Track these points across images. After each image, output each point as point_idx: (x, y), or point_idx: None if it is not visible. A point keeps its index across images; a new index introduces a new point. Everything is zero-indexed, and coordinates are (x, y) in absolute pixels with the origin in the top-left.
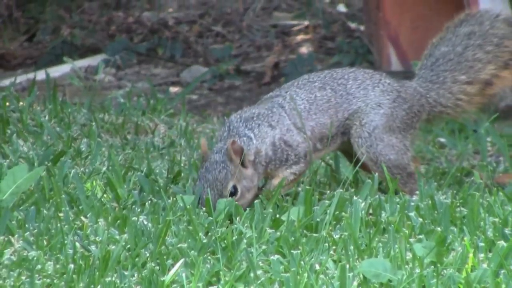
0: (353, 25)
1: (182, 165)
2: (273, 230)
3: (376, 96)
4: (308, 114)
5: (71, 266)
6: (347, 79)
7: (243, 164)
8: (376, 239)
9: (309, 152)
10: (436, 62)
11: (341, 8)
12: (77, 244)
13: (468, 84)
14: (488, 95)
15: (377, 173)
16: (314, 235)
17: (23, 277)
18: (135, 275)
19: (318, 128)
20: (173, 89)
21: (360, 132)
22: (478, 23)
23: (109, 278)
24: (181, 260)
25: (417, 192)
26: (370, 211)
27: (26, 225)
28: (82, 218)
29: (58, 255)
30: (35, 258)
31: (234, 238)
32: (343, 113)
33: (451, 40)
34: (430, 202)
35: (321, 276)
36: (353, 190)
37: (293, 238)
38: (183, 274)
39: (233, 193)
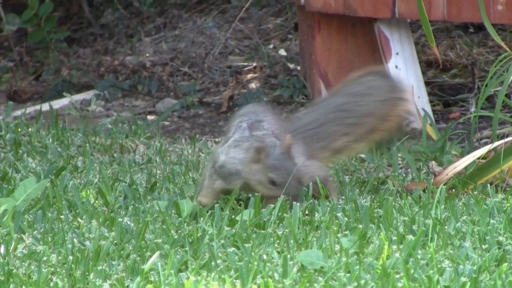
0: (291, 66)
1: (157, 177)
2: (230, 228)
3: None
4: None
5: (70, 257)
6: None
7: None
8: (311, 234)
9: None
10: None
11: (282, 52)
12: (75, 240)
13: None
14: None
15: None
16: (262, 231)
17: (33, 267)
18: (121, 264)
19: None
20: (150, 117)
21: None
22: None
23: (101, 267)
24: (157, 252)
25: (343, 197)
26: (306, 212)
27: (35, 225)
28: (79, 219)
29: (60, 249)
30: (42, 251)
31: (198, 234)
32: None
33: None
34: (353, 205)
35: (268, 264)
36: None
37: (245, 234)
38: (159, 263)
39: None
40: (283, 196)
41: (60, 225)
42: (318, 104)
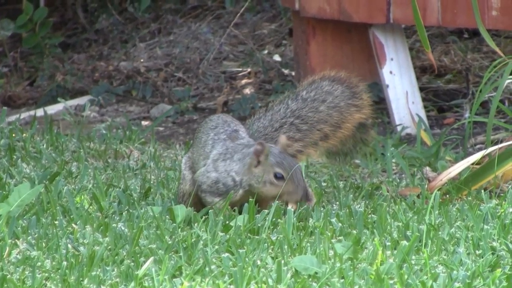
0: (286, 71)
1: (151, 182)
2: (224, 234)
3: None
4: None
5: (65, 263)
6: None
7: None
8: (305, 240)
9: None
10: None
11: (277, 57)
12: (69, 245)
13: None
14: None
15: None
16: (256, 237)
17: (27, 272)
18: (115, 270)
19: None
20: (144, 123)
21: None
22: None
23: (95, 273)
24: (151, 258)
25: (337, 202)
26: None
27: (29, 231)
28: (73, 225)
29: (54, 254)
30: (36, 257)
31: (193, 240)
32: None
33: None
34: (347, 210)
35: (262, 270)
36: None
37: (239, 240)
38: (153, 269)
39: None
40: (277, 202)
41: (54, 230)
42: (274, 107)
